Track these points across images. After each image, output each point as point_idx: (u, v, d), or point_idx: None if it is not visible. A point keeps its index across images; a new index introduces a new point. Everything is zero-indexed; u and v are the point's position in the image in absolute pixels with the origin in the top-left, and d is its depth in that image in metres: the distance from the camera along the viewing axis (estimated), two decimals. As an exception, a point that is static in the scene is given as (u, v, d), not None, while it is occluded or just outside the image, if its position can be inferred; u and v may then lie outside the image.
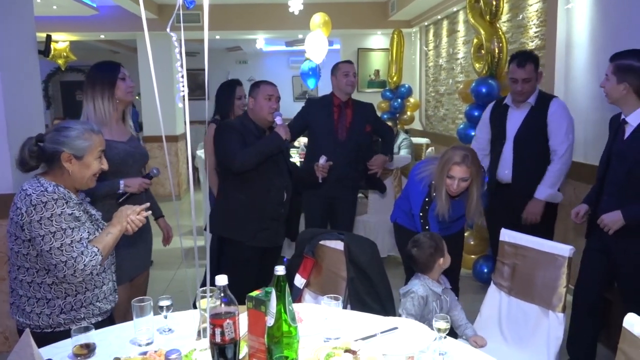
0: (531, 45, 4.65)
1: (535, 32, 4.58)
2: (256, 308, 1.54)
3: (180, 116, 8.16)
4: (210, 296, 1.51)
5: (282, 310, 1.45)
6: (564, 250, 2.20)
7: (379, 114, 7.70)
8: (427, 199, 2.63)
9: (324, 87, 11.08)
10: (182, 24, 1.31)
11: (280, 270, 1.43)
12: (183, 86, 1.39)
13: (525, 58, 3.07)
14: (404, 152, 5.60)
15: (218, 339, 1.42)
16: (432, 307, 2.21)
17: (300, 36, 8.48)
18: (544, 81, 4.15)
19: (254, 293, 1.57)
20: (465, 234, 4.37)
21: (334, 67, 3.71)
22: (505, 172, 3.22)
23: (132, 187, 2.33)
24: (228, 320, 1.43)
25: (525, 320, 2.28)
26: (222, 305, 1.44)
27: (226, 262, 2.86)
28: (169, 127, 7.83)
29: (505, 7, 5.00)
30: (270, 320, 1.45)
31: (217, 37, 8.50)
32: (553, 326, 2.18)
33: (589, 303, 2.61)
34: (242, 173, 2.74)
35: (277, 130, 2.81)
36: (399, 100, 7.67)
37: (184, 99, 1.38)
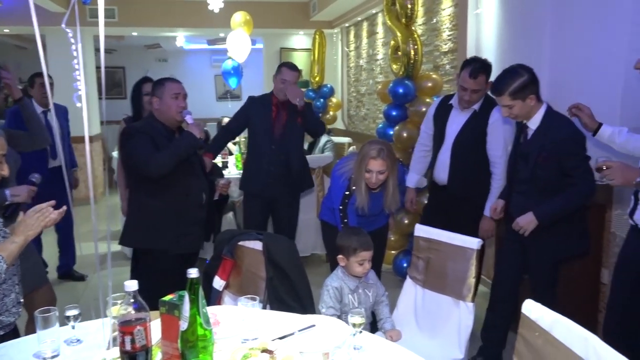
0: (444, 47, 4.86)
1: (448, 35, 4.79)
2: (169, 313, 1.50)
3: (94, 116, 7.79)
4: (120, 303, 1.46)
5: (196, 314, 1.42)
6: (473, 243, 2.32)
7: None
8: (347, 193, 2.71)
9: (247, 87, 11.04)
10: (78, 19, 1.25)
11: (193, 273, 1.41)
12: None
13: (477, 69, 2.96)
14: (328, 154, 5.66)
15: (128, 347, 1.38)
16: (348, 301, 2.25)
17: (222, 35, 8.36)
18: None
19: (167, 297, 1.53)
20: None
21: (278, 68, 3.70)
22: (441, 174, 3.23)
23: (21, 195, 2.19)
24: (139, 327, 1.38)
25: (439, 311, 2.38)
26: (133, 311, 1.39)
27: (146, 274, 2.65)
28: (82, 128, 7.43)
29: (420, 11, 5.20)
30: (183, 325, 1.42)
31: (134, 33, 8.21)
32: (464, 315, 2.29)
33: (505, 292, 2.75)
34: (158, 179, 2.60)
35: (190, 129, 2.69)
36: (322, 100, 7.76)
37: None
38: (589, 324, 2.95)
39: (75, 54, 1.23)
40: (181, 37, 9.18)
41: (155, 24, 7.64)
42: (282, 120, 3.63)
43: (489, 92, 3.12)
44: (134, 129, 2.72)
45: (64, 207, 1.82)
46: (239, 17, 6.41)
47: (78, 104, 1.31)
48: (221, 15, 6.63)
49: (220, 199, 3.04)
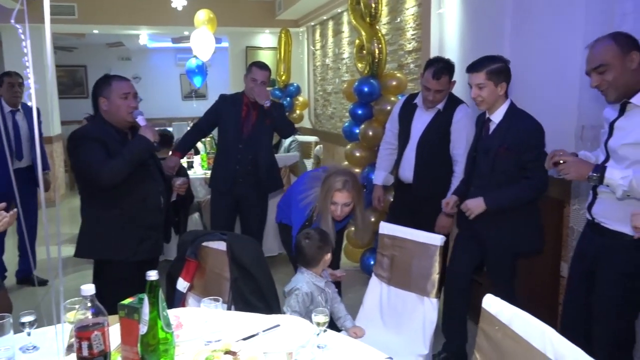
0: (409, 47, 4.90)
1: (412, 35, 4.84)
2: (129, 316, 1.47)
3: (55, 115, 7.57)
4: (77, 308, 1.42)
5: (157, 317, 1.39)
6: (436, 239, 2.35)
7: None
8: (307, 223, 2.65)
9: (213, 85, 10.92)
10: (27, 15, 1.20)
11: (152, 275, 1.38)
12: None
13: (440, 70, 2.98)
14: (295, 153, 5.65)
15: (85, 352, 1.34)
16: (318, 301, 2.25)
17: (187, 33, 8.25)
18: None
19: (127, 301, 1.50)
20: (352, 229, 4.51)
21: (248, 67, 3.67)
22: (406, 173, 3.25)
23: None
24: (96, 332, 1.35)
25: (404, 308, 2.41)
26: (90, 316, 1.36)
27: (106, 285, 2.53)
28: (43, 127, 7.23)
29: (385, 10, 5.24)
30: (143, 328, 1.39)
31: (95, 31, 8.01)
32: (428, 311, 2.32)
33: (459, 287, 2.79)
34: (111, 187, 2.47)
35: (143, 132, 2.53)
36: (288, 99, 7.74)
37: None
38: (551, 317, 3.05)
39: (25, 51, 1.18)
40: (144, 35, 9.01)
41: (117, 21, 7.48)
42: (252, 120, 3.61)
43: (452, 91, 3.19)
44: (82, 134, 2.52)
45: (15, 210, 1.76)
46: (202, 15, 6.34)
47: (29, 103, 1.26)
48: (185, 13, 6.54)
49: (183, 198, 2.96)
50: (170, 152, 3.77)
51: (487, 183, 2.61)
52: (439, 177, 3.14)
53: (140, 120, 2.56)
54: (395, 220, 2.75)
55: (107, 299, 1.49)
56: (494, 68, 2.51)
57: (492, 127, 2.62)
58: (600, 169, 2.00)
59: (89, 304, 1.36)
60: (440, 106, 3.14)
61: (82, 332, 1.33)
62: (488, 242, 2.66)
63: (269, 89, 8.18)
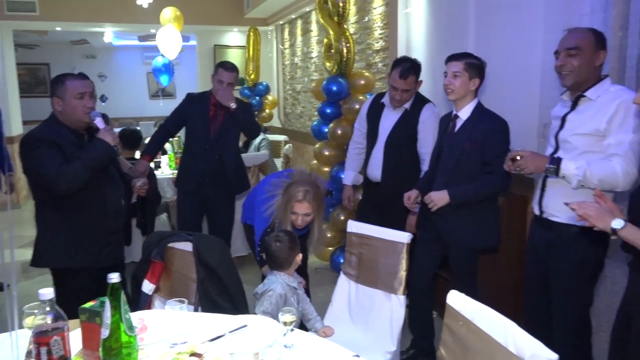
0: (377, 46, 4.94)
1: (380, 34, 4.87)
2: (90, 320, 1.44)
3: (15, 115, 7.36)
4: (35, 312, 1.38)
5: (119, 320, 1.37)
6: (403, 237, 2.38)
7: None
8: (268, 230, 2.64)
9: (181, 84, 10.77)
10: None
11: (114, 278, 1.35)
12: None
13: (407, 70, 3.00)
14: (264, 152, 5.63)
15: (44, 358, 1.30)
16: (291, 302, 2.23)
17: (153, 31, 8.12)
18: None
19: (88, 304, 1.47)
20: (323, 227, 4.52)
21: (215, 67, 3.60)
22: (375, 171, 3.28)
23: None
24: (56, 337, 1.31)
25: (372, 305, 2.42)
26: (49, 321, 1.32)
27: (66, 295, 2.24)
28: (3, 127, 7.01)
29: (353, 9, 5.26)
30: (105, 332, 1.36)
31: (58, 28, 7.80)
32: (395, 308, 2.34)
33: (423, 285, 2.83)
34: (69, 194, 2.35)
35: (102, 136, 2.41)
36: (257, 98, 7.70)
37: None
38: (516, 310, 3.10)
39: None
40: (109, 33, 8.83)
41: (81, 18, 7.29)
42: (220, 121, 3.56)
43: (419, 91, 3.23)
44: (35, 136, 2.36)
45: None
46: (168, 13, 6.25)
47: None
48: (151, 10, 6.44)
49: (147, 199, 2.90)
50: (139, 156, 3.71)
51: (451, 179, 2.64)
52: (407, 175, 3.17)
53: (99, 123, 2.44)
54: (363, 219, 2.77)
55: (70, 309, 1.45)
56: (473, 62, 2.58)
57: (459, 123, 2.66)
58: (556, 160, 2.08)
59: (48, 309, 1.32)
60: (407, 105, 3.17)
61: (40, 337, 1.29)
62: (450, 239, 2.70)
63: (237, 87, 8.18)
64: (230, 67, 3.54)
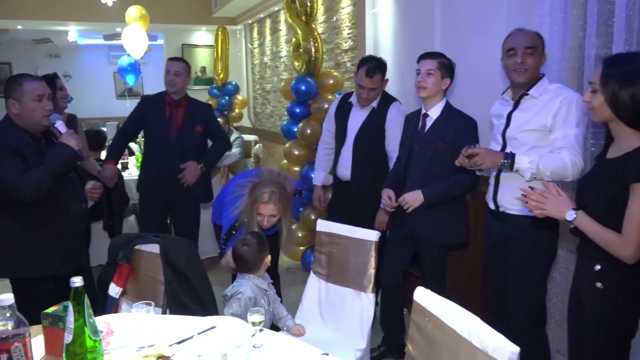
0: (345, 45, 4.96)
1: (348, 34, 4.90)
2: (53, 325, 1.41)
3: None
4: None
5: (83, 325, 1.35)
6: (371, 235, 2.40)
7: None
8: (236, 225, 2.64)
9: (149, 84, 10.61)
10: None
11: (77, 281, 1.33)
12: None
13: (373, 68, 3.03)
14: (235, 151, 5.59)
15: (5, 365, 1.27)
16: (261, 304, 2.23)
17: (119, 30, 7.98)
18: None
19: (51, 309, 1.44)
20: (293, 227, 4.53)
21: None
22: (344, 170, 3.30)
23: None
24: (16, 344, 1.28)
25: (342, 304, 2.44)
26: (10, 327, 1.29)
27: (29, 302, 2.13)
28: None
29: (321, 9, 5.28)
30: (68, 337, 1.34)
31: (19, 27, 7.60)
32: (365, 306, 2.36)
33: (394, 282, 2.87)
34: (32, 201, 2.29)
35: (65, 140, 2.35)
36: (227, 97, 7.63)
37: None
38: (482, 305, 3.17)
39: None
40: (73, 32, 8.63)
41: (43, 17, 7.12)
42: (178, 121, 3.50)
43: (385, 89, 3.26)
44: None
45: None
46: (134, 12, 6.15)
47: None
48: (116, 9, 6.33)
49: (110, 201, 2.85)
50: (104, 161, 3.64)
51: (424, 178, 2.68)
52: (376, 173, 3.19)
53: (60, 126, 2.38)
54: (333, 218, 2.79)
55: (33, 315, 1.42)
56: (446, 62, 2.66)
57: (429, 122, 2.70)
58: (510, 155, 2.17)
59: (8, 314, 1.29)
60: (374, 104, 3.20)
61: (0, 344, 1.26)
62: (422, 236, 2.74)
63: (206, 87, 8.11)
64: (176, 58, 3.57)
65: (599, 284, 1.74)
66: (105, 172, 3.38)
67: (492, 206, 2.41)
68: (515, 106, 2.32)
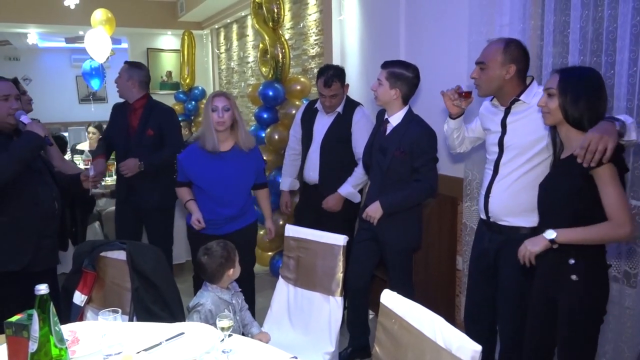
0: (312, 52, 5.00)
1: (315, 40, 4.94)
2: (17, 334, 1.39)
3: None
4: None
5: (49, 333, 1.33)
6: (338, 239, 2.42)
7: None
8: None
9: (112, 89, 10.39)
10: None
11: (42, 289, 1.31)
12: None
13: (330, 78, 3.14)
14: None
15: (-34, 376, 1.25)
16: (227, 314, 2.21)
17: (82, 33, 7.83)
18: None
19: (14, 318, 1.42)
20: (261, 232, 4.52)
21: None
22: (311, 173, 3.37)
23: None
24: (-21, 354, 1.26)
25: (310, 308, 2.45)
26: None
27: None
28: None
29: (288, 15, 5.31)
30: (33, 346, 1.32)
31: (-23, 28, 7.37)
32: (333, 310, 2.38)
33: (360, 285, 2.91)
34: None
35: (30, 128, 2.40)
36: (193, 102, 7.58)
37: None
38: (448, 307, 3.25)
39: None
40: (34, 34, 8.42)
41: (2, 18, 6.92)
42: (133, 125, 3.46)
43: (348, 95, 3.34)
44: None
45: None
46: (99, 15, 6.05)
47: None
48: (79, 11, 6.21)
49: (73, 206, 2.80)
50: (94, 157, 3.60)
51: (381, 180, 2.74)
52: (344, 175, 3.28)
53: (25, 119, 2.42)
54: (301, 222, 2.81)
55: None
56: (396, 72, 2.64)
57: (389, 128, 2.75)
58: (615, 119, 1.78)
59: (-30, 324, 1.26)
60: (339, 109, 3.30)
61: (-38, 354, 1.23)
62: (385, 240, 2.78)
63: (172, 92, 8.02)
64: (126, 62, 3.57)
65: (574, 277, 1.84)
66: (98, 166, 3.24)
67: (482, 216, 2.38)
68: (507, 112, 2.26)
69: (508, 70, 2.19)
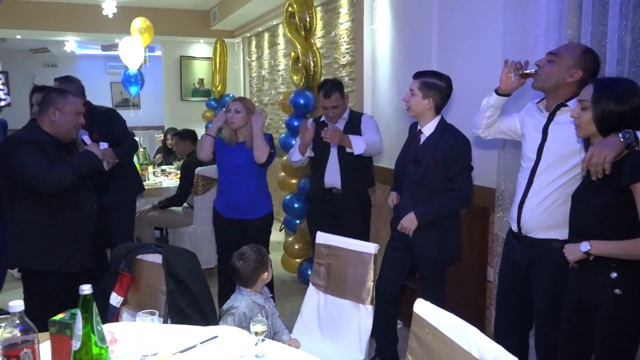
0: (343, 60, 5.03)
1: (346, 49, 4.97)
2: (60, 332, 1.44)
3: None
4: (4, 325, 1.36)
5: (91, 332, 1.37)
6: (370, 247, 2.43)
7: (203, 122, 7.64)
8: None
9: (145, 95, 10.66)
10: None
11: (86, 289, 1.35)
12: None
13: (330, 89, 3.38)
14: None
15: (14, 371, 1.29)
16: (260, 318, 2.24)
17: (117, 40, 8.04)
18: (356, 94, 4.53)
19: (58, 316, 1.47)
20: (290, 239, 4.55)
21: None
22: (332, 178, 3.50)
23: None
24: (25, 350, 1.31)
25: (340, 315, 2.46)
26: (19, 333, 1.31)
27: (34, 298, 2.52)
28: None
29: (320, 24, 5.35)
30: (76, 344, 1.36)
31: (18, 36, 7.64)
32: (363, 318, 2.38)
33: (390, 294, 2.90)
34: (50, 195, 2.51)
35: (91, 149, 2.68)
36: (224, 110, 7.68)
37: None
38: (479, 318, 3.21)
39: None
40: (72, 42, 8.68)
41: (43, 27, 7.16)
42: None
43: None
44: (18, 138, 2.57)
45: None
46: (138, 23, 6.22)
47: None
48: (118, 20, 6.38)
49: None
50: None
51: (417, 191, 2.73)
52: (363, 176, 3.55)
53: (86, 139, 2.71)
54: (315, 227, 3.02)
55: (37, 314, 1.45)
56: (429, 82, 2.66)
57: (423, 139, 2.75)
58: (628, 132, 1.78)
59: (18, 321, 1.31)
60: (345, 115, 3.55)
61: (10, 350, 1.28)
62: (419, 250, 2.77)
63: (203, 99, 8.14)
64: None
65: (617, 291, 1.82)
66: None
67: (514, 227, 2.32)
68: (551, 118, 2.18)
69: (574, 74, 2.11)
